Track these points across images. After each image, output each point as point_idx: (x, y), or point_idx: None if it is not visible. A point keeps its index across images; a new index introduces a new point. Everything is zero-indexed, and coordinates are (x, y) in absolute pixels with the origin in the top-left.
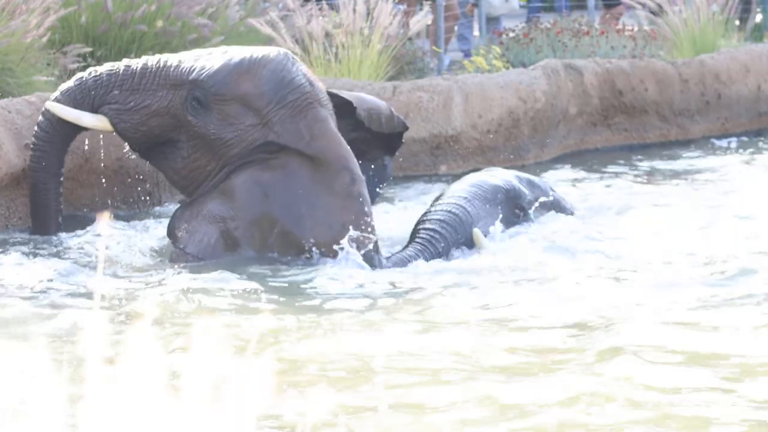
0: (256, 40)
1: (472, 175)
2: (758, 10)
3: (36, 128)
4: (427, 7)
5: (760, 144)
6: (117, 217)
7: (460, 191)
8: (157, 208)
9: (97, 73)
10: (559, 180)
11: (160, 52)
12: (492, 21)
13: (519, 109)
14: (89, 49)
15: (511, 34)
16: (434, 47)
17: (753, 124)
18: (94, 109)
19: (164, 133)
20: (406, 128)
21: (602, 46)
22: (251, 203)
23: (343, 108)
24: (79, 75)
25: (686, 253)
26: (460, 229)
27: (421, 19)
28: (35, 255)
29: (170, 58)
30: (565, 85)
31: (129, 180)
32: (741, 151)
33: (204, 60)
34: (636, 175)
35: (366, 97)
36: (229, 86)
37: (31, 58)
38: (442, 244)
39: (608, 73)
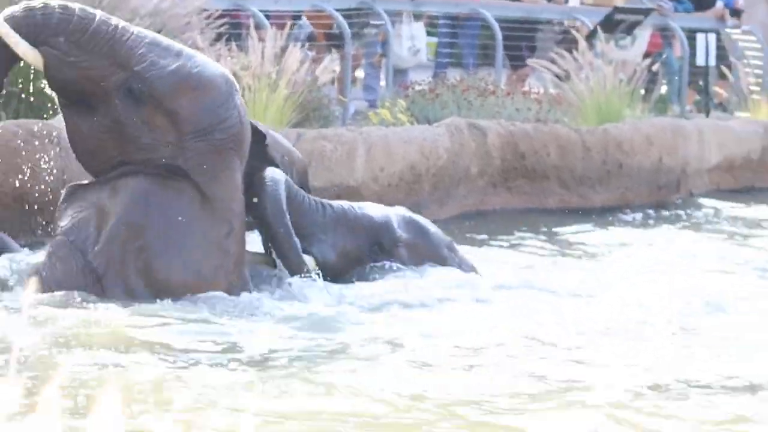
0: None
1: (360, 203)
2: (663, 81)
3: None
4: (334, 54)
5: (658, 217)
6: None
7: (324, 201)
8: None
9: (48, 12)
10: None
11: None
12: (399, 73)
13: (421, 165)
14: None
15: (418, 88)
16: (340, 96)
17: (653, 196)
18: (33, 43)
19: (89, 97)
20: (308, 191)
21: (507, 107)
22: (132, 208)
23: (256, 136)
24: (28, 4)
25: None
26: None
27: (329, 66)
28: None
29: (126, 33)
30: (468, 144)
31: (27, 208)
32: (639, 223)
33: (156, 54)
34: (530, 241)
35: (284, 141)
36: (167, 97)
37: None
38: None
39: (512, 135)
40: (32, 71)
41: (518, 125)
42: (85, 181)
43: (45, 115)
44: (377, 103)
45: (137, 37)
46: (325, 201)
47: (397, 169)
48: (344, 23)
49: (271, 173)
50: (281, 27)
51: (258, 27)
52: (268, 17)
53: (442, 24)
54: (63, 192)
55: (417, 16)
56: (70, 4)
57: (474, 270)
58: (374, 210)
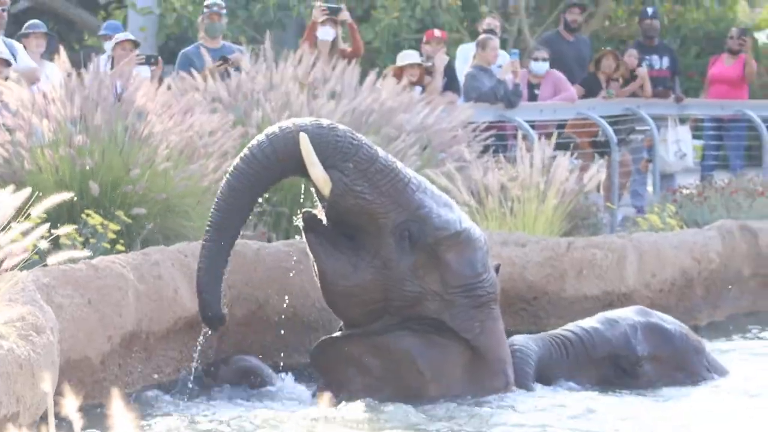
0: None
1: (600, 315)
2: None
3: (247, 152)
4: (601, 162)
5: None
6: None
7: (565, 339)
8: None
9: (340, 134)
10: (729, 343)
11: None
12: (666, 177)
13: (693, 270)
14: (265, 195)
15: (685, 192)
16: (608, 203)
17: None
18: (322, 165)
19: (361, 233)
20: None
21: None
22: (403, 373)
23: None
24: (319, 122)
25: None
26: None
27: (596, 174)
28: (210, 406)
29: (404, 174)
30: (739, 246)
31: (302, 328)
32: None
33: (433, 202)
34: None
35: None
36: (441, 246)
37: (208, 201)
38: None
39: None
40: (302, 194)
41: None
42: (337, 334)
43: None
44: (645, 209)
45: (415, 181)
46: (566, 337)
47: (668, 275)
48: (610, 130)
49: (521, 343)
50: (547, 136)
51: (524, 137)
52: (533, 127)
53: (707, 127)
54: (315, 345)
55: (682, 120)
56: (355, 134)
57: (725, 373)
58: (612, 329)
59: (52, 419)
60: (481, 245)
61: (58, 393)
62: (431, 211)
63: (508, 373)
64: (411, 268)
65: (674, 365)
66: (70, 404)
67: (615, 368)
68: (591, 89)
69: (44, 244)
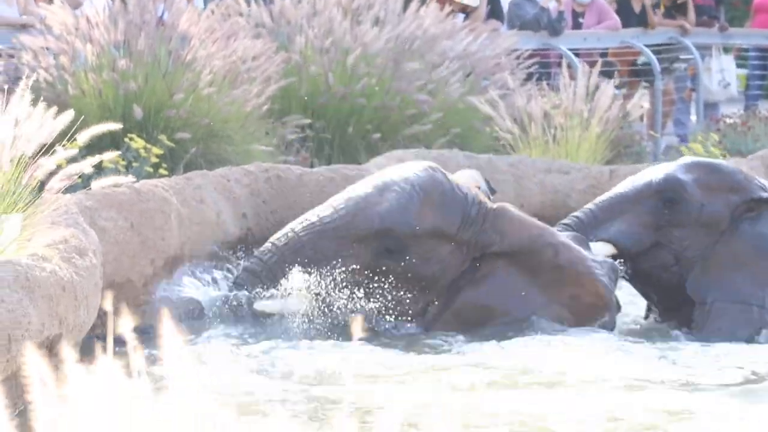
0: (474, 118)
1: (647, 169)
2: None
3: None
4: (644, 91)
5: None
6: None
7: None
8: None
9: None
10: None
11: (378, 126)
12: (709, 106)
13: None
14: (308, 121)
15: (729, 121)
16: (651, 131)
17: None
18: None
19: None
20: None
21: None
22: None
23: None
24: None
25: None
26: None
27: (639, 102)
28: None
29: (333, 211)
30: None
31: None
32: None
33: (370, 202)
34: None
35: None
36: (417, 226)
37: (251, 126)
38: None
39: None
40: (343, 119)
41: None
42: None
43: (359, 161)
44: (688, 138)
45: (345, 206)
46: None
47: None
48: (654, 59)
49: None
50: (591, 65)
51: (568, 65)
52: (577, 55)
53: (752, 56)
54: None
55: (726, 49)
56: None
57: None
58: (655, 173)
59: (111, 339)
60: (435, 183)
61: (102, 315)
62: (381, 216)
63: (549, 241)
64: (421, 262)
65: (727, 189)
66: (126, 324)
67: (664, 203)
68: (625, 15)
69: (88, 169)
